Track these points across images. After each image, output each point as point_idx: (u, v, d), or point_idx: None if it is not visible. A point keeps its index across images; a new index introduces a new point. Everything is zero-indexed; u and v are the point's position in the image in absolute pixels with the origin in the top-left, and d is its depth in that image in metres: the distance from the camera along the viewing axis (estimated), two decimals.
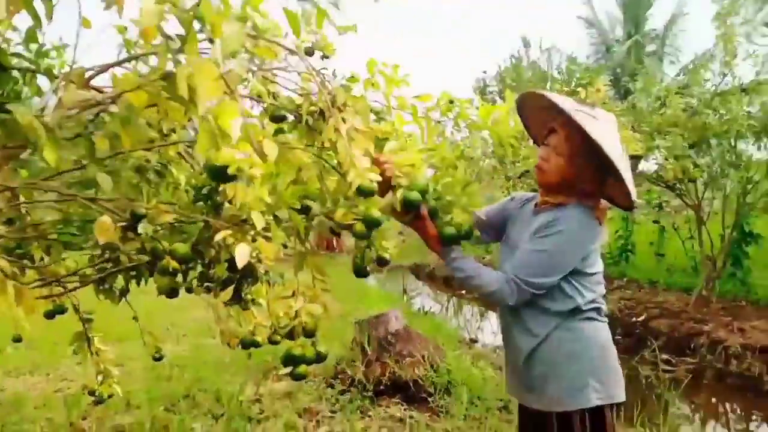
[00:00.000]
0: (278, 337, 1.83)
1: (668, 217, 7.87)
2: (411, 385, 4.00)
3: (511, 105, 1.93)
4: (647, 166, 9.16)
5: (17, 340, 2.59)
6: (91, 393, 2.49)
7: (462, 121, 2.02)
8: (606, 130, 1.67)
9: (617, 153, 1.62)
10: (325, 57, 2.53)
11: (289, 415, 3.71)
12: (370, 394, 3.97)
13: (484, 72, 15.77)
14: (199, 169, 2.43)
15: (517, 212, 1.95)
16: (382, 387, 3.99)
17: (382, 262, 1.96)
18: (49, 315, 2.44)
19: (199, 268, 2.33)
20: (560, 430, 1.68)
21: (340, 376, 4.23)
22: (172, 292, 2.33)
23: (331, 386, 4.19)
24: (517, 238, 1.83)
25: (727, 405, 5.02)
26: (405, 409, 3.85)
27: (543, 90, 1.75)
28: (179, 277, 2.29)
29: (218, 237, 1.75)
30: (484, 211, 1.96)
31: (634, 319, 6.38)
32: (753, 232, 7.19)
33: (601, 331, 1.74)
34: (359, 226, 1.54)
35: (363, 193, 1.44)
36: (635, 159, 6.22)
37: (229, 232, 1.76)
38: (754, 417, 4.71)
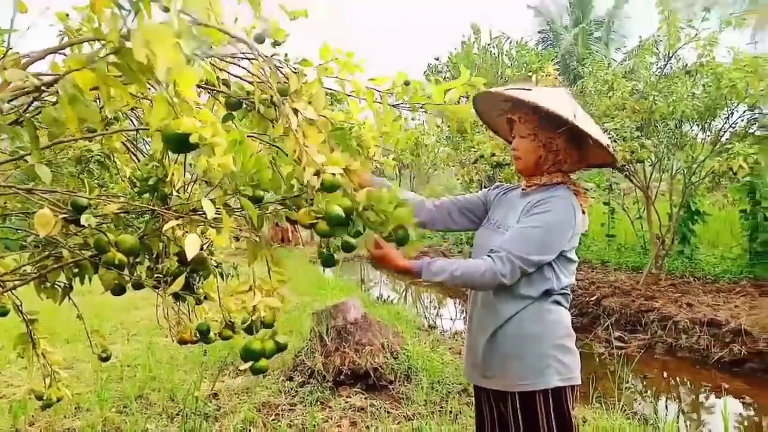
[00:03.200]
0: (229, 332, 1.77)
1: (618, 198, 8.05)
2: (371, 373, 3.97)
3: (464, 81, 1.91)
4: None
5: None
6: (39, 397, 2.36)
7: (417, 103, 1.98)
8: (555, 97, 1.70)
9: (576, 114, 1.65)
10: (276, 44, 2.45)
11: (247, 410, 3.62)
12: (330, 384, 3.92)
13: (436, 59, 15.77)
14: (145, 159, 2.33)
15: (501, 198, 1.96)
16: (342, 377, 3.95)
17: (347, 248, 1.91)
18: None
19: (147, 263, 2.24)
20: (522, 411, 1.68)
21: (299, 368, 4.17)
22: (118, 289, 2.23)
23: (291, 379, 4.12)
24: (502, 220, 1.84)
25: (678, 378, 5.18)
26: (366, 398, 3.82)
27: (486, 88, 1.77)
28: (126, 273, 2.20)
29: (167, 227, 1.67)
30: (463, 197, 1.98)
31: (587, 298, 6.51)
32: (699, 210, 7.43)
33: (564, 316, 1.76)
34: (322, 225, 1.49)
35: (327, 188, 1.39)
36: None
37: (178, 222, 1.69)
38: (702, 389, 4.87)
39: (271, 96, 1.68)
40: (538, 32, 21.00)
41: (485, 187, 8.12)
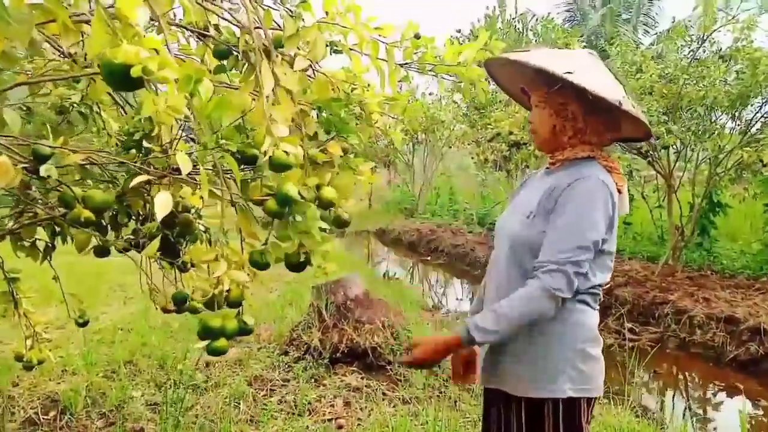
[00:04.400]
0: (198, 304, 1.58)
1: (638, 185, 7.77)
2: (369, 352, 3.80)
3: (481, 44, 1.69)
4: None
5: None
6: (19, 359, 2.23)
7: (427, 64, 1.76)
8: (581, 64, 1.47)
9: (602, 83, 1.43)
10: None
11: (237, 383, 3.48)
12: (326, 362, 3.76)
13: (458, 31, 15.31)
14: (132, 112, 2.12)
15: (526, 182, 1.76)
16: (338, 354, 3.78)
17: (341, 224, 1.73)
18: None
19: (133, 225, 2.06)
20: (528, 419, 1.46)
21: (294, 343, 4.01)
22: (99, 251, 2.05)
23: (286, 353, 3.97)
24: (524, 203, 1.59)
25: (689, 374, 4.98)
26: (362, 378, 3.66)
27: (502, 53, 1.57)
28: (111, 235, 2.02)
29: (134, 182, 1.48)
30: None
31: None
32: (721, 202, 7.14)
33: (590, 318, 1.50)
34: (271, 204, 1.32)
35: (276, 166, 1.22)
36: None
37: (148, 177, 1.49)
38: (714, 387, 4.67)
39: (264, 44, 1.48)
40: (565, 10, 20.39)
41: (500, 168, 7.85)
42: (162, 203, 1.23)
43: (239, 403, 3.28)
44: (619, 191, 1.48)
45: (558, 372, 1.44)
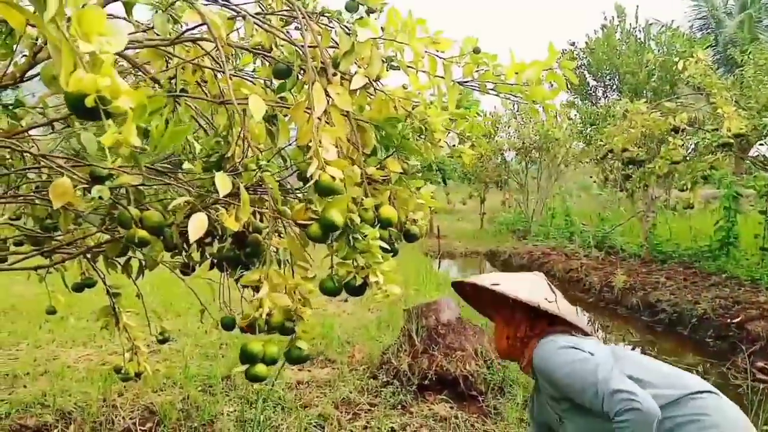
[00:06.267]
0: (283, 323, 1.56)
1: None
2: (460, 381, 3.64)
3: (551, 62, 1.56)
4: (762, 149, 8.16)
5: (51, 312, 2.50)
6: (117, 370, 2.35)
7: (488, 82, 1.63)
8: (520, 285, 1.75)
9: (524, 290, 1.71)
10: (370, 11, 2.17)
11: (324, 405, 3.46)
12: (414, 388, 3.64)
13: (572, 43, 14.58)
14: (212, 131, 2.18)
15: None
16: (427, 381, 3.66)
17: (410, 238, 1.69)
18: (78, 288, 2.31)
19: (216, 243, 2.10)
20: None
21: (385, 367, 3.93)
22: (184, 268, 2.12)
23: (375, 377, 3.90)
24: (545, 412, 1.77)
25: None
26: (451, 407, 3.51)
27: (461, 279, 1.89)
28: (197, 254, 2.07)
29: (173, 204, 1.49)
30: None
31: (729, 320, 5.63)
32: None
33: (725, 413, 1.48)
34: (315, 228, 1.28)
35: (321, 190, 1.19)
36: (740, 138, 5.42)
37: (187, 199, 1.50)
38: None
39: (320, 63, 1.45)
40: (698, 18, 18.93)
41: (622, 189, 7.41)
42: (195, 226, 1.22)
43: (324, 426, 3.25)
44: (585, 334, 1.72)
45: None
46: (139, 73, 1.73)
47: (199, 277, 1.92)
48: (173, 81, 1.67)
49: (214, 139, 1.76)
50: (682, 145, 5.37)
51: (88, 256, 2.18)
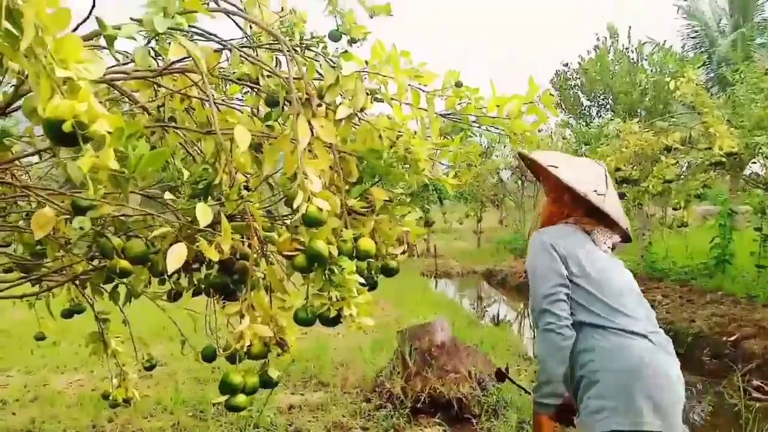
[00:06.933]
0: (264, 349, 1.56)
1: None
2: (454, 403, 3.62)
3: (532, 96, 1.58)
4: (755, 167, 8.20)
5: (40, 338, 2.48)
6: (105, 397, 2.33)
7: (471, 115, 1.65)
8: (575, 170, 1.79)
9: (588, 187, 1.73)
10: (352, 41, 2.19)
11: (316, 430, 3.43)
12: (407, 411, 3.61)
13: (565, 64, 14.70)
14: (200, 158, 2.18)
15: None
16: (420, 404, 3.63)
17: (389, 272, 1.69)
18: (67, 314, 2.29)
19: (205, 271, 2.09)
20: None
21: (378, 390, 3.91)
22: (174, 296, 2.11)
23: (368, 400, 3.87)
24: None
25: None
26: (444, 431, 3.48)
27: (524, 150, 1.82)
28: (184, 280, 2.07)
29: (155, 234, 1.50)
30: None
31: (724, 338, 5.62)
32: None
33: (626, 350, 1.57)
34: (300, 259, 1.29)
35: (308, 222, 1.20)
36: (733, 156, 5.44)
37: (167, 230, 1.50)
38: None
39: (304, 95, 1.46)
40: (691, 37, 19.11)
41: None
42: (174, 256, 1.22)
43: None
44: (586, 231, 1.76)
45: (599, 408, 1.55)
46: (128, 101, 1.75)
47: (182, 307, 1.91)
48: (162, 109, 1.69)
49: (202, 167, 1.77)
50: (675, 163, 5.39)
51: (77, 282, 2.18)
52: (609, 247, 1.78)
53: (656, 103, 11.84)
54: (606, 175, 1.83)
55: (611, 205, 1.76)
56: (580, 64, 13.91)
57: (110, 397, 2.30)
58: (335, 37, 2.06)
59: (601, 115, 13.71)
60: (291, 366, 4.71)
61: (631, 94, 11.52)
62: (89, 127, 0.72)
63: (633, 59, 11.95)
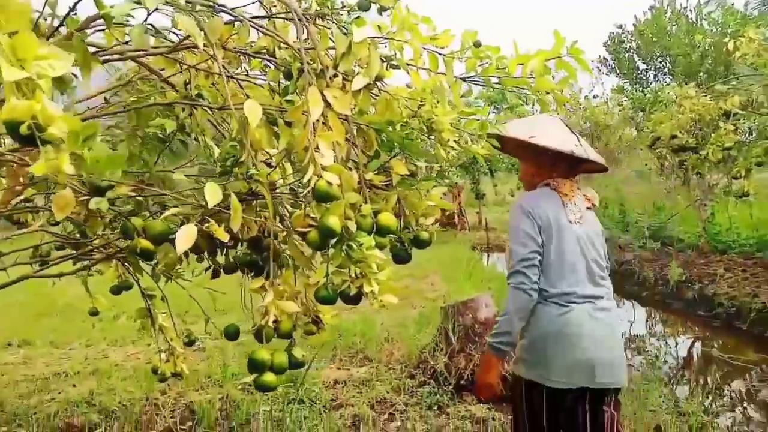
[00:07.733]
0: (312, 327, 1.57)
1: None
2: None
3: (558, 51, 1.48)
4: None
5: (93, 313, 2.58)
6: (154, 371, 2.40)
7: (493, 76, 1.57)
8: (546, 132, 1.96)
9: (559, 138, 1.94)
10: (382, 10, 2.13)
11: (360, 405, 3.45)
12: (450, 388, 3.59)
13: (619, 26, 13.97)
14: (230, 135, 2.19)
15: None
16: (464, 381, 3.59)
17: (420, 244, 1.64)
18: (116, 291, 2.37)
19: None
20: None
21: (422, 366, 3.89)
22: (215, 273, 2.14)
23: (412, 376, 3.87)
24: None
25: None
26: (488, 408, 3.43)
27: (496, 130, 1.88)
28: (221, 257, 2.10)
29: (166, 214, 1.50)
30: None
31: None
32: None
33: (553, 319, 1.86)
34: (313, 235, 1.25)
35: (319, 197, 1.16)
36: None
37: (176, 211, 1.49)
38: None
39: (315, 65, 1.42)
40: None
41: (677, 175, 7.33)
42: (183, 238, 1.21)
43: (359, 427, 3.24)
44: (565, 196, 1.97)
45: (518, 358, 1.95)
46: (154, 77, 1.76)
47: (201, 285, 1.93)
48: (188, 86, 1.68)
49: (229, 143, 1.76)
50: (736, 129, 5.08)
51: (120, 260, 2.23)
52: (582, 215, 1.96)
53: (716, 66, 11.16)
54: (567, 125, 2.06)
55: (591, 151, 2.01)
56: (635, 25, 13.21)
57: (158, 371, 2.36)
58: (364, 6, 2.01)
59: (658, 80, 13.07)
60: (338, 341, 4.75)
61: (690, 56, 10.90)
62: (46, 130, 0.70)
63: (692, 19, 11.27)
